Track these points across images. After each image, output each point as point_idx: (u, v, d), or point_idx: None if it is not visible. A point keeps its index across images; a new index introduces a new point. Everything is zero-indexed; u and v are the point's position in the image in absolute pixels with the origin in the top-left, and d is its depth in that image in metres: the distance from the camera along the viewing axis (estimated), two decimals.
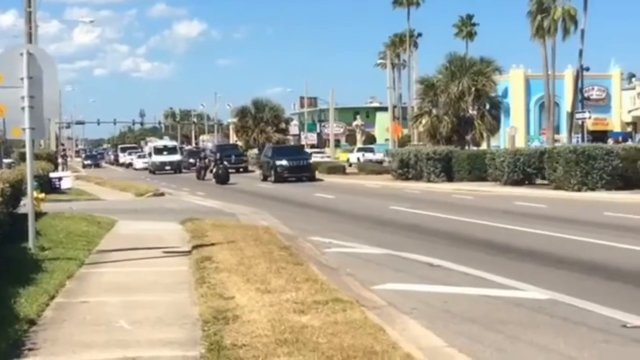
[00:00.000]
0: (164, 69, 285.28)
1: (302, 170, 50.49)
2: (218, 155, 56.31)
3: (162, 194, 35.82)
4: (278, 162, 50.63)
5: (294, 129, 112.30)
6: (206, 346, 7.71)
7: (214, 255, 13.52)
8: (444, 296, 11.13)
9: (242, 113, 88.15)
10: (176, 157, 74.51)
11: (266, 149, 59.96)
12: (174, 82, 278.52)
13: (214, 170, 50.53)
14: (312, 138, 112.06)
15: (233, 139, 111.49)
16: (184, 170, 73.97)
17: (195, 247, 14.91)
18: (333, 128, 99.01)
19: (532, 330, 9.04)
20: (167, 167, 71.43)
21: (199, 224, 19.18)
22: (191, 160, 76.75)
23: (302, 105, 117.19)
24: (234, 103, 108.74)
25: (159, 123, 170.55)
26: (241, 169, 66.86)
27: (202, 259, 13.07)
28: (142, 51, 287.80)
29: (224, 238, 16.09)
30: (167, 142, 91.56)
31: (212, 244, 15.08)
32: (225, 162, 55.27)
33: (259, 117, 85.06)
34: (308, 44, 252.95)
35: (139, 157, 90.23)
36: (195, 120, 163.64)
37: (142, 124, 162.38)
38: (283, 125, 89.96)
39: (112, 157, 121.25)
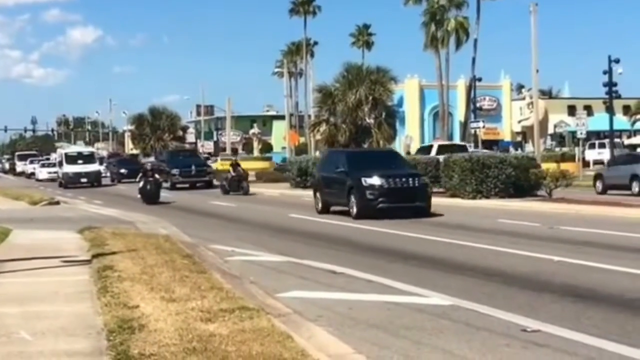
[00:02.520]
0: (58, 75, 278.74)
1: (412, 196, 26.59)
2: (149, 165, 41.83)
3: (57, 203, 35.09)
4: (368, 181, 26.44)
5: (190, 136, 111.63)
6: (112, 356, 7.60)
7: (116, 264, 13.33)
8: (348, 303, 11.23)
9: (138, 120, 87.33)
10: (94, 167, 60.13)
11: (329, 154, 34.25)
12: (67, 89, 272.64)
13: (141, 184, 37.65)
14: (209, 146, 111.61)
15: (129, 146, 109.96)
16: (110, 183, 63.06)
17: (96, 256, 14.66)
18: (230, 136, 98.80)
19: (436, 336, 9.19)
20: (83, 180, 57.90)
21: (98, 233, 18.88)
22: (122, 171, 64.48)
23: (198, 113, 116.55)
24: (130, 110, 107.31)
25: (52, 130, 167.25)
26: (201, 184, 51.15)
27: (104, 268, 12.86)
28: (35, 57, 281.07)
29: (125, 247, 15.88)
30: (81, 148, 77.35)
31: (113, 253, 14.86)
32: (177, 175, 47.55)
33: (156, 125, 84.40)
34: (205, 51, 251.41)
35: (43, 165, 77.78)
36: (89, 127, 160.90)
37: (34, 131, 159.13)
38: (180, 133, 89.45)
39: (6, 165, 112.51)
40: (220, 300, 10.17)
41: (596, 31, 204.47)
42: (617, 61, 54.49)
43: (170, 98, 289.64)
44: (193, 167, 51.71)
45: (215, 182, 49.72)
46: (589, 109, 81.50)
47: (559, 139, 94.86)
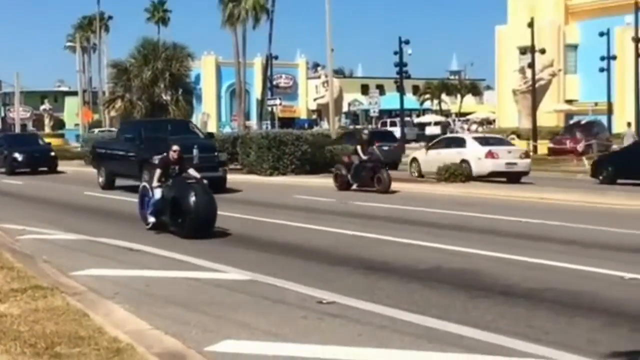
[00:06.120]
0: None
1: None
2: (175, 149, 17.04)
3: None
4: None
5: None
6: None
7: None
8: (145, 280, 11.10)
9: None
10: None
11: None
12: None
13: (158, 192, 16.55)
14: None
15: None
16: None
17: None
18: (19, 112, 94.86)
19: (234, 310, 9.25)
20: None
21: None
22: (16, 156, 40.15)
23: None
24: None
25: None
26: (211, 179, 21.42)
27: None
28: None
29: None
30: None
31: None
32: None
33: None
34: None
35: None
36: None
37: None
38: None
39: None
40: (10, 280, 9.84)
41: (387, 13, 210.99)
42: (407, 42, 56.31)
43: None
44: (195, 153, 24.42)
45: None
46: (381, 89, 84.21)
47: (353, 117, 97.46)
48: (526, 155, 32.77)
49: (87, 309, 8.56)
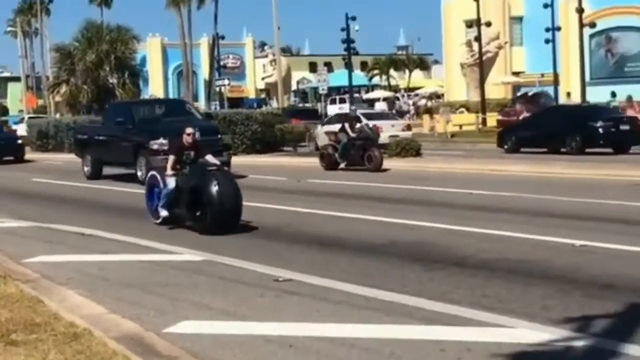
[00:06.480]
0: None
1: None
2: (190, 131, 14.79)
3: None
4: None
5: None
6: None
7: None
8: (99, 264, 11.01)
9: None
10: None
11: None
12: None
13: (172, 182, 14.33)
14: None
15: None
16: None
17: None
18: None
19: (191, 291, 9.21)
20: None
21: None
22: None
23: None
24: None
25: None
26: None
27: None
28: None
29: None
30: None
31: None
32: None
33: None
34: None
35: None
36: None
37: None
38: None
39: None
40: None
41: None
42: (354, 19, 56.27)
43: None
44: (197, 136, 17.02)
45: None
46: (329, 66, 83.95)
47: (302, 95, 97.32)
48: (408, 128, 36.67)
49: (42, 296, 8.47)
